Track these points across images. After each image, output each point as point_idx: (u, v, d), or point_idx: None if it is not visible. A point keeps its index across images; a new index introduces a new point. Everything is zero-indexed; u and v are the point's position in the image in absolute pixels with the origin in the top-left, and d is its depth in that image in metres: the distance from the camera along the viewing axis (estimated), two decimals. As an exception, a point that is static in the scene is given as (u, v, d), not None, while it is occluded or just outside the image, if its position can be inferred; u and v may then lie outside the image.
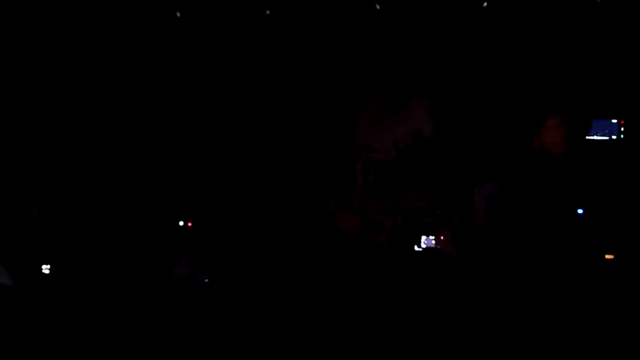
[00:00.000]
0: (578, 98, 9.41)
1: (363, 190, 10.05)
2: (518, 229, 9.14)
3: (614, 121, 9.38)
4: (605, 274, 8.56)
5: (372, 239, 9.66)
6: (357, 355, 6.59)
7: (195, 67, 9.90)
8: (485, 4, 9.32)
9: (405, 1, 9.64)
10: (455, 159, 9.89)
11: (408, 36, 9.83)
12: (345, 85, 10.09)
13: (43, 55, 9.64)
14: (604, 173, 9.22)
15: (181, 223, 9.51)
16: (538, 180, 9.29)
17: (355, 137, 10.21)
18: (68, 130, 9.74)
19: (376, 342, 6.76)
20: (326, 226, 9.68)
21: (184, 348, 6.70)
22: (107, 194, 9.52)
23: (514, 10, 9.56)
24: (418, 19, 9.73)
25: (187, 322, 7.31)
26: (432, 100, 10.11)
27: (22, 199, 9.40)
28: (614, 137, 9.34)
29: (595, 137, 9.32)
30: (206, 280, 9.01)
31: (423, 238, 9.18)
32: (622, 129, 9.36)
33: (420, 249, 9.18)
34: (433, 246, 9.16)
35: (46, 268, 8.85)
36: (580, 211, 9.11)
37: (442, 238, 9.18)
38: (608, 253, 8.80)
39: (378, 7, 9.34)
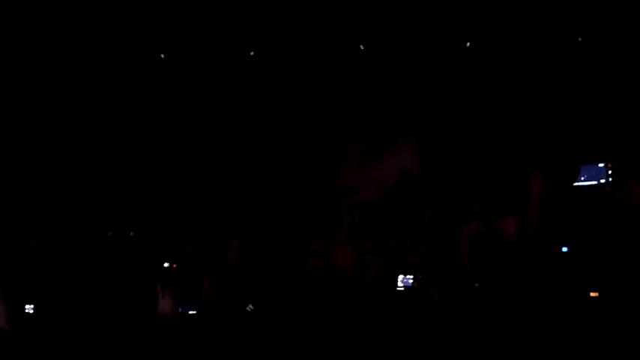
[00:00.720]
0: (565, 144, 9.43)
1: (350, 229, 10.15)
2: (503, 267, 9.08)
3: (602, 165, 9.38)
4: (590, 312, 8.51)
5: (359, 279, 9.53)
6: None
7: (177, 112, 10.11)
8: (468, 44, 9.38)
9: (389, 42, 9.76)
10: (441, 197, 9.96)
11: (393, 76, 10.00)
12: (329, 125, 10.27)
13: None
14: (591, 215, 9.20)
15: (166, 265, 9.52)
16: (524, 218, 9.29)
17: (342, 177, 10.35)
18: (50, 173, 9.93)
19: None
20: (312, 266, 9.61)
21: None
22: (92, 236, 9.54)
23: (498, 51, 9.67)
24: (403, 58, 9.88)
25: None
26: (418, 138, 10.26)
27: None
28: (602, 181, 9.32)
29: (583, 183, 9.30)
30: (192, 313, 8.72)
31: (401, 277, 8.99)
32: (610, 172, 9.36)
33: (400, 288, 9.02)
34: (410, 285, 8.97)
35: (29, 308, 8.80)
36: (564, 249, 9.09)
37: (420, 277, 9.00)
38: (593, 291, 8.76)
39: (362, 47, 9.45)
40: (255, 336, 7.51)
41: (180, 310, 8.40)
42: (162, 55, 9.78)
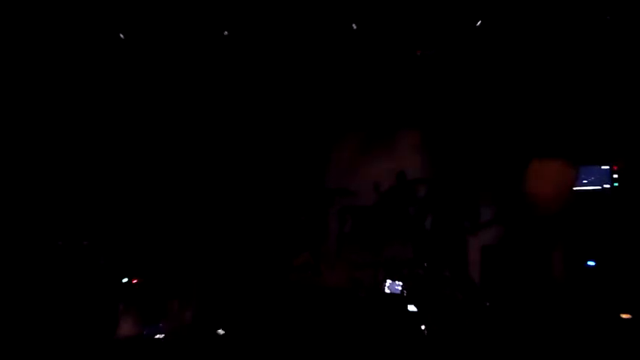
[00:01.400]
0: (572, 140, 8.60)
1: (340, 240, 9.27)
2: (518, 284, 8.13)
3: (606, 167, 8.33)
4: (621, 337, 7.47)
5: (349, 299, 8.63)
6: None
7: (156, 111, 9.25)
8: (479, 23, 8.45)
9: (390, 25, 8.73)
10: (446, 202, 9.05)
11: (392, 61, 9.00)
12: (318, 117, 9.34)
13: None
14: (614, 222, 8.28)
15: (125, 280, 8.58)
16: (540, 228, 8.39)
17: (330, 180, 9.47)
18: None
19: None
20: (295, 284, 8.82)
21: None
22: (41, 245, 8.59)
23: (508, 37, 8.70)
24: (405, 41, 8.86)
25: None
26: (421, 134, 9.34)
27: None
28: (606, 186, 8.30)
29: (584, 187, 8.31)
30: (160, 337, 8.23)
31: (388, 281, 8.36)
32: (615, 176, 8.33)
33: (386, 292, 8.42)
34: (399, 292, 8.32)
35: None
36: (591, 263, 8.11)
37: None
38: (624, 312, 7.76)
39: (354, 26, 8.47)
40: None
41: (144, 332, 8.13)
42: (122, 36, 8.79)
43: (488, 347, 7.33)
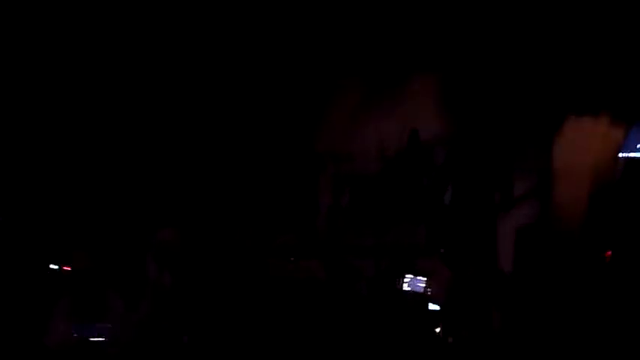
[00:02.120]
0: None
1: (333, 217, 7.96)
2: (562, 276, 6.95)
3: None
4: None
5: (347, 292, 7.60)
6: None
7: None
8: None
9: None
10: (471, 170, 7.66)
11: None
12: (306, 58, 7.92)
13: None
14: None
15: (54, 267, 7.40)
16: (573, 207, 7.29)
17: (321, 140, 8.12)
18: None
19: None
20: (276, 272, 7.57)
21: None
22: None
23: None
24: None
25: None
26: (439, 80, 7.86)
27: None
28: None
29: (635, 154, 7.11)
30: (101, 339, 7.28)
31: (408, 277, 7.22)
32: None
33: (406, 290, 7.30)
34: (421, 290, 7.23)
35: None
36: None
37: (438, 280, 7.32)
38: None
39: None
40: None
41: (74, 334, 7.30)
42: None
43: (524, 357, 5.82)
